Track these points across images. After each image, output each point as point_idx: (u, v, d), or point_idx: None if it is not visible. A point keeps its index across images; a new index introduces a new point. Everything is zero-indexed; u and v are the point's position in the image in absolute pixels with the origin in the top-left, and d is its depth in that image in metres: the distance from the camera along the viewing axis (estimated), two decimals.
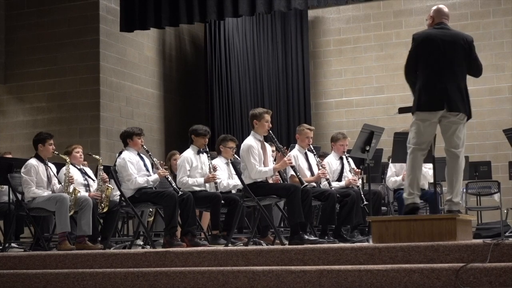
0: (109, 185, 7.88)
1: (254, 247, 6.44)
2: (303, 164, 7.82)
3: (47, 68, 11.40)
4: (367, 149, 7.22)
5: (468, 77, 5.98)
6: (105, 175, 7.91)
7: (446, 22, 5.99)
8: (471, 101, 5.92)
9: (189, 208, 7.20)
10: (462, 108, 5.81)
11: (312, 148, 7.92)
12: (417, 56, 5.95)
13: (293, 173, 7.37)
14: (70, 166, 7.77)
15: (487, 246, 5.01)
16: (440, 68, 5.84)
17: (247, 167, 7.08)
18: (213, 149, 8.53)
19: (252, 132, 7.27)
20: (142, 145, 7.63)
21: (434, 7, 6.09)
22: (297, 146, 7.99)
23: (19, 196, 7.66)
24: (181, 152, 8.06)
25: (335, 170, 8.17)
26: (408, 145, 5.95)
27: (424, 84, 5.85)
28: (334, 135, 8.45)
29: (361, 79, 13.37)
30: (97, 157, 8.16)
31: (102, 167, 7.98)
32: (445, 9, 6.05)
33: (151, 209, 8.35)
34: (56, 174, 7.76)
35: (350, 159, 8.19)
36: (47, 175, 7.60)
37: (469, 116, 5.89)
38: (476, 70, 6.00)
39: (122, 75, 11.63)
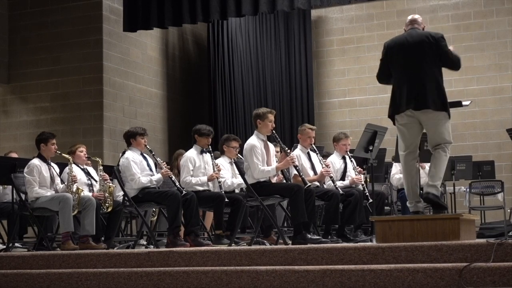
0: (111, 184, 7.89)
1: (258, 246, 6.44)
2: (306, 164, 7.81)
3: (50, 68, 11.41)
4: (371, 148, 7.24)
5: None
6: (105, 175, 7.92)
7: (417, 27, 6.07)
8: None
9: (192, 208, 7.21)
10: (432, 105, 5.77)
11: (315, 148, 7.92)
12: (387, 62, 6.08)
13: (296, 172, 7.38)
14: (73, 165, 7.79)
15: (490, 245, 5.01)
16: (407, 69, 5.92)
17: (250, 166, 7.08)
18: (216, 149, 8.54)
19: (255, 131, 7.26)
20: (146, 145, 7.64)
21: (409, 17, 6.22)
22: (299, 145, 7.99)
23: (23, 196, 7.67)
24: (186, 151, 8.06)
25: (338, 169, 8.17)
26: (400, 153, 6.00)
27: (394, 89, 5.98)
28: (335, 135, 8.46)
29: (364, 79, 13.35)
30: (96, 158, 8.17)
31: (101, 167, 7.99)
32: (416, 17, 6.17)
33: (154, 209, 8.36)
34: (59, 174, 7.76)
35: (352, 159, 8.19)
36: (50, 175, 7.60)
37: (444, 111, 5.81)
38: (450, 64, 5.95)
39: (125, 75, 11.64)
